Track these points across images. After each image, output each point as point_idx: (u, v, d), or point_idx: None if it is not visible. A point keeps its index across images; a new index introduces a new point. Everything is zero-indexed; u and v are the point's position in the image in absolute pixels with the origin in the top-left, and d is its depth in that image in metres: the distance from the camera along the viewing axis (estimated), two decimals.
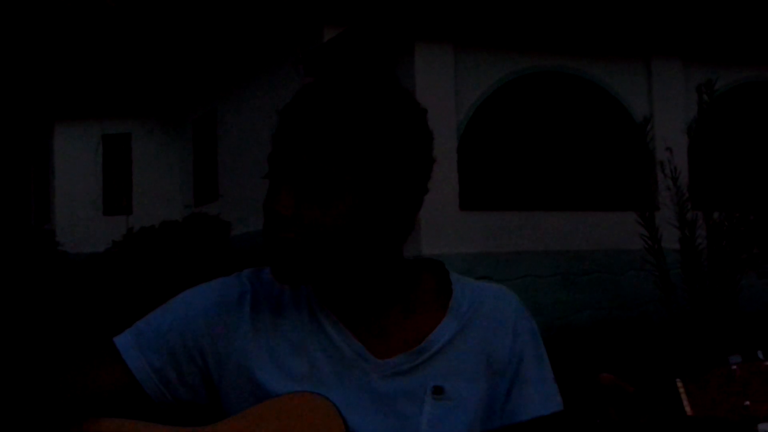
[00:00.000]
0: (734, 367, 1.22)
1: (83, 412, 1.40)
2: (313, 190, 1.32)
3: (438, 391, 1.40)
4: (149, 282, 12.17)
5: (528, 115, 11.44)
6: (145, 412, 1.44)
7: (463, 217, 10.53)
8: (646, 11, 11.66)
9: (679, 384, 1.23)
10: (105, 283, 13.23)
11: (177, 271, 12.27)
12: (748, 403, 1.21)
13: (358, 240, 1.36)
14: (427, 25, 10.81)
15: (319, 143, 1.32)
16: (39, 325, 10.42)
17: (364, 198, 1.34)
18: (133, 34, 19.72)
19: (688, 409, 1.22)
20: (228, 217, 14.91)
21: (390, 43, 11.25)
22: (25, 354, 8.21)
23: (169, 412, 1.46)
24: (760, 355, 1.22)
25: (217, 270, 1.58)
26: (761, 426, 1.20)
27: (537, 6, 11.26)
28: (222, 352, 1.44)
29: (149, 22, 19.33)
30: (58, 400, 1.40)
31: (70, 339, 9.49)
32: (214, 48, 16.05)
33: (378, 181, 1.34)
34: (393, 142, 1.35)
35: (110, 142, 18.95)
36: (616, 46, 11.77)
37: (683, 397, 1.22)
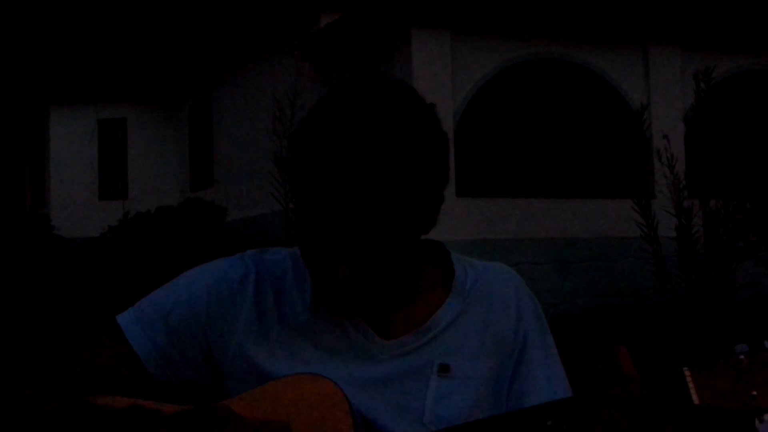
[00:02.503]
0: (741, 356, 1.22)
1: (84, 390, 1.39)
2: (374, 248, 1.31)
3: (444, 368, 1.41)
4: (145, 267, 12.16)
5: (525, 103, 11.43)
6: (147, 391, 1.42)
7: (459, 204, 10.52)
8: None
9: (687, 373, 1.23)
10: (100, 267, 13.22)
11: (172, 257, 12.27)
12: (755, 392, 1.21)
13: (407, 260, 1.39)
14: (423, 11, 10.78)
15: (372, 205, 1.28)
16: (35, 310, 10.42)
17: (413, 230, 1.36)
18: (129, 18, 19.66)
19: (695, 398, 1.22)
20: (223, 202, 14.90)
21: (387, 30, 11.22)
22: (22, 337, 8.21)
23: (170, 392, 1.45)
24: (767, 344, 1.22)
25: (212, 255, 1.56)
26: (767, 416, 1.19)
27: None
28: (225, 332, 1.43)
29: (145, 6, 19.27)
30: (59, 378, 1.39)
31: (66, 323, 9.49)
32: (211, 33, 16.00)
33: (422, 208, 1.35)
34: (431, 169, 1.34)
35: (106, 127, 18.91)
36: (613, 33, 11.75)
37: (690, 386, 1.22)
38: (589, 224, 11.34)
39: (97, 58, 19.24)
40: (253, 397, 1.35)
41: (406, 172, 1.28)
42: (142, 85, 18.76)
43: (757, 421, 1.19)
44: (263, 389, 1.36)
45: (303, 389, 1.34)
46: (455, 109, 10.87)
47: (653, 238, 9.19)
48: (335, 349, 1.41)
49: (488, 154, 11.19)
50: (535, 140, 11.43)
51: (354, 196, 1.27)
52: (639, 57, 11.99)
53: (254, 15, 14.41)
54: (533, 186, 11.33)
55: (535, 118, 11.45)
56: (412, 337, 1.42)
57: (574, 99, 11.68)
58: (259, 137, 13.59)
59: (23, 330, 8.87)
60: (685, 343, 8.06)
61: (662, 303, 9.39)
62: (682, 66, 11.90)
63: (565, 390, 1.45)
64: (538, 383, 1.45)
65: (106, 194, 18.64)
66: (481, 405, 1.41)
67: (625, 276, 11.31)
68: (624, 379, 1.24)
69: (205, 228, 13.73)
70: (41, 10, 21.17)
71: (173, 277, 1.50)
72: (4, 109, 20.77)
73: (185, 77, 18.05)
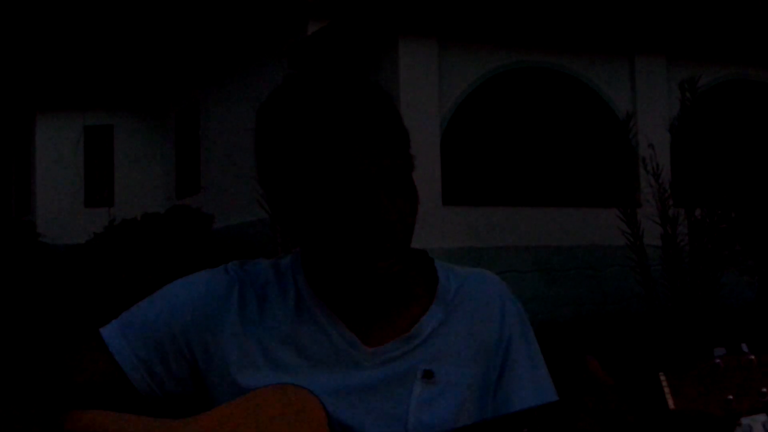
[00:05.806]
0: (718, 360, 1.21)
1: (67, 404, 1.38)
2: (399, 186, 1.36)
3: (428, 374, 1.40)
4: (131, 274, 12.13)
5: (511, 111, 11.46)
6: (131, 405, 1.42)
7: (445, 212, 10.53)
8: (630, 8, 11.69)
9: (662, 378, 1.21)
10: (86, 275, 13.17)
11: (159, 264, 12.24)
12: (731, 396, 1.19)
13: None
14: (411, 19, 10.80)
15: (389, 141, 1.35)
16: (20, 317, 10.37)
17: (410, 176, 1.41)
18: (116, 25, 19.62)
19: (670, 403, 1.20)
20: (210, 209, 14.87)
21: (374, 38, 11.24)
22: (7, 346, 8.17)
23: (153, 405, 1.43)
24: (744, 348, 1.21)
25: (199, 263, 1.57)
26: (744, 420, 1.19)
27: (522, 1, 11.27)
28: (209, 344, 1.42)
29: (133, 14, 19.24)
30: (42, 392, 1.38)
31: (51, 330, 9.45)
32: (198, 40, 15.99)
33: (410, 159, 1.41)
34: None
35: (92, 134, 18.85)
36: (600, 42, 11.80)
37: (666, 391, 1.21)
38: (574, 233, 11.37)
39: (83, 64, 19.19)
40: (230, 409, 1.35)
41: (403, 127, 1.38)
42: (129, 93, 18.72)
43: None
44: (240, 401, 1.36)
45: (280, 400, 1.33)
46: (442, 117, 10.89)
47: (639, 247, 9.21)
48: (319, 356, 1.40)
49: (475, 163, 11.21)
50: (522, 149, 11.46)
51: (376, 137, 1.33)
52: (625, 66, 12.04)
53: (241, 22, 14.41)
54: (519, 194, 11.35)
55: (521, 126, 11.47)
56: (396, 344, 1.41)
57: (561, 108, 11.71)
58: (246, 145, 13.50)
59: (8, 338, 8.83)
60: (665, 350, 8.08)
61: (647, 311, 9.41)
62: (668, 75, 11.95)
63: (550, 394, 1.45)
64: (523, 388, 1.45)
65: (92, 201, 18.57)
66: (466, 411, 1.41)
67: (610, 284, 11.34)
68: (599, 388, 1.24)
69: (192, 235, 13.71)
70: (28, 16, 21.11)
71: (160, 285, 1.49)
72: None
73: (172, 84, 18.01)
